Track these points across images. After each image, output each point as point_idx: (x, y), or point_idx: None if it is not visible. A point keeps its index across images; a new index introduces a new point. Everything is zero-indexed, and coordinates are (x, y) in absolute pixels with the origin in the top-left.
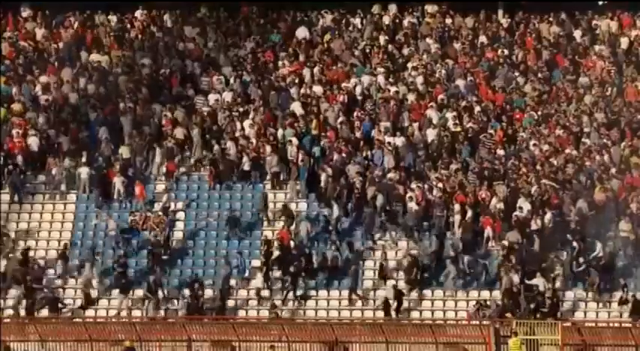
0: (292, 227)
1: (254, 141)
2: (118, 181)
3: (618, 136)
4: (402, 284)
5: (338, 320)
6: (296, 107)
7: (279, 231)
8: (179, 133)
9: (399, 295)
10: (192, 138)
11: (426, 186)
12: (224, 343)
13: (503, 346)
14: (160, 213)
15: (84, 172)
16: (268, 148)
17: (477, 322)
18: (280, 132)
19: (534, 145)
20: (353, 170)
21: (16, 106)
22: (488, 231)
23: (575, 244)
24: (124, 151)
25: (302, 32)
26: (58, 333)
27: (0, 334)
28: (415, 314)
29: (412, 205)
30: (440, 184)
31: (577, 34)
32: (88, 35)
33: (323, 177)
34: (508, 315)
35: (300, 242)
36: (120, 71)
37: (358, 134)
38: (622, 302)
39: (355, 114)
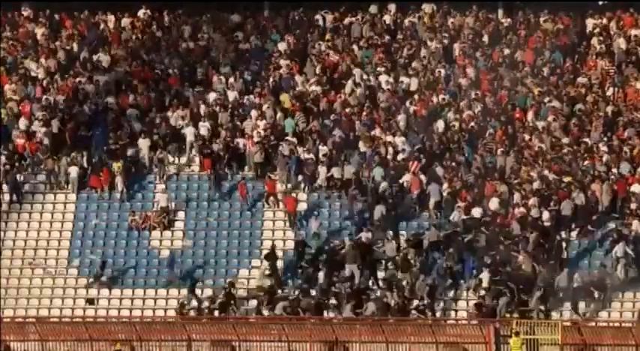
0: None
1: (255, 139)
2: (119, 181)
3: (618, 135)
4: None
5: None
6: (296, 106)
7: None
8: (179, 131)
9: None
10: (191, 137)
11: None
12: (224, 342)
13: (504, 346)
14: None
15: (73, 171)
16: (268, 147)
17: (477, 322)
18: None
19: (533, 143)
20: (349, 171)
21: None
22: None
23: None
24: (125, 150)
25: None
26: (58, 333)
27: (0, 334)
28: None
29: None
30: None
31: (577, 33)
32: (88, 34)
33: (322, 174)
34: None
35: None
36: (120, 70)
37: (359, 133)
38: None
39: (355, 113)
